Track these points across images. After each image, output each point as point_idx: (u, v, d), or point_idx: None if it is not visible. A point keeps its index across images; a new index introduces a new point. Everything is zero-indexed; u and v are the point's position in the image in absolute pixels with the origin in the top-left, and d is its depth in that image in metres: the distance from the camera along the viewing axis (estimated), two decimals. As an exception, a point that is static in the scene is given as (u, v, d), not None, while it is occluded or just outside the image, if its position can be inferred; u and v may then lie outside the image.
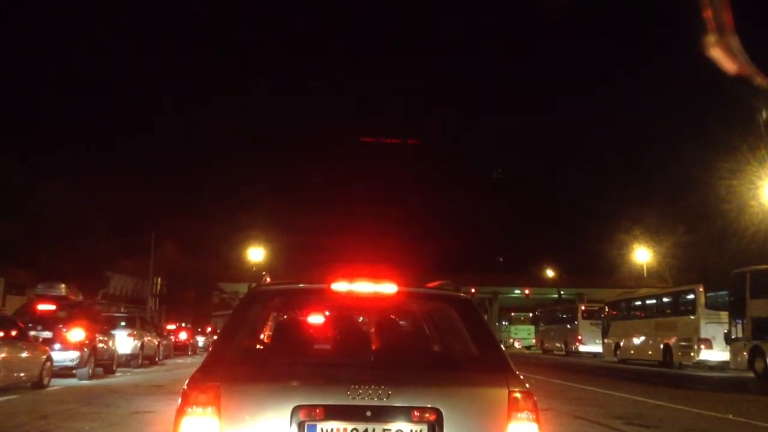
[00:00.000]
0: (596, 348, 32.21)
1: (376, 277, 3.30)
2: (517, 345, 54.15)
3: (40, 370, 12.04)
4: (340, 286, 3.28)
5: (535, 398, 2.96)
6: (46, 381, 12.29)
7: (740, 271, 19.37)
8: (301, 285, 3.69)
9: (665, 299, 26.08)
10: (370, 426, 2.75)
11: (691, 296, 23.09)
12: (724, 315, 20.34)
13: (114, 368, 16.72)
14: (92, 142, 37.49)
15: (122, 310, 33.64)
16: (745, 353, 18.26)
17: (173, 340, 29.11)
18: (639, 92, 65.18)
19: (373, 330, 3.93)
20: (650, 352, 25.36)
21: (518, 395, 2.90)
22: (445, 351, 3.92)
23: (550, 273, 54.14)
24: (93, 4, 46.98)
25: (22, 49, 40.33)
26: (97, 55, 44.51)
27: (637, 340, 26.76)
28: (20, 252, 27.39)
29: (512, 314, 63.49)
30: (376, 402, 2.76)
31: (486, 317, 30.04)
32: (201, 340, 36.14)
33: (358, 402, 2.76)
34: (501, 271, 59.95)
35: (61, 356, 13.53)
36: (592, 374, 19.95)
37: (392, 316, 4.21)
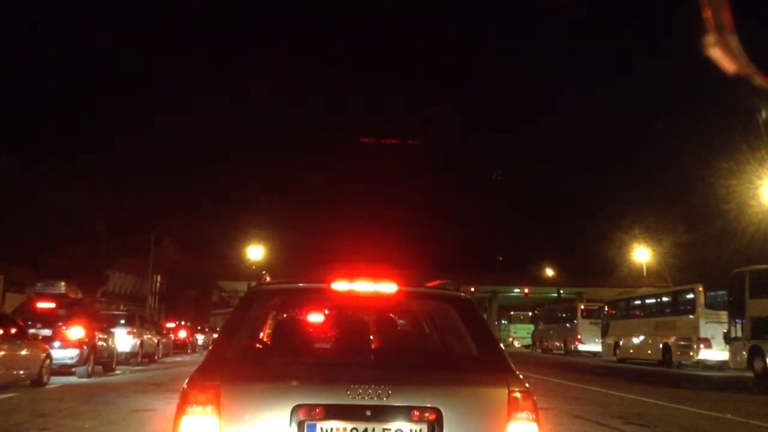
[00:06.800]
0: (595, 347, 32.24)
1: (376, 276, 3.30)
2: (516, 344, 54.20)
3: (40, 367, 12.04)
4: (340, 285, 3.28)
5: (535, 398, 2.97)
6: (45, 379, 12.30)
7: (739, 271, 19.39)
8: (301, 284, 3.69)
9: (665, 299, 26.09)
10: (369, 425, 2.75)
11: (690, 296, 23.11)
12: (724, 315, 20.36)
13: (113, 366, 16.72)
14: (92, 140, 37.52)
15: (122, 308, 33.58)
16: (744, 353, 18.28)
17: (173, 338, 29.11)
18: (639, 92, 65.16)
19: (372, 329, 3.93)
20: (649, 352, 25.37)
21: (518, 395, 2.90)
22: (445, 351, 3.92)
23: (549, 272, 54.15)
24: (93, 5, 46.93)
25: (22, 50, 40.33)
26: (97, 55, 44.51)
27: (636, 340, 26.77)
28: (20, 250, 27.37)
29: (512, 313, 63.60)
30: (375, 401, 2.76)
31: (485, 316, 30.04)
32: (200, 339, 36.18)
33: (357, 401, 2.76)
34: (500, 271, 59.91)
35: (61, 354, 13.54)
36: (591, 373, 19.96)
37: (392, 316, 4.21)
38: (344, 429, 2.75)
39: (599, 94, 68.37)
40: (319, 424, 2.75)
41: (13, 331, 11.73)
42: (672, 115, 53.93)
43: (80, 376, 14.03)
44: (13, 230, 26.09)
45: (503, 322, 63.98)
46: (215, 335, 27.78)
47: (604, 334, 30.28)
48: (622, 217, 39.21)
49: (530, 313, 52.77)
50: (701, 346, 21.68)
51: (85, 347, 14.11)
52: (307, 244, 46.63)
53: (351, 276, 3.29)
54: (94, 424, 7.66)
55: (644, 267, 40.25)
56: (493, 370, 3.05)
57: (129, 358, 19.30)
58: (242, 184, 62.20)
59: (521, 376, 3.05)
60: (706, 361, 21.95)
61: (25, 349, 11.72)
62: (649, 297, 27.92)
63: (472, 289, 43.51)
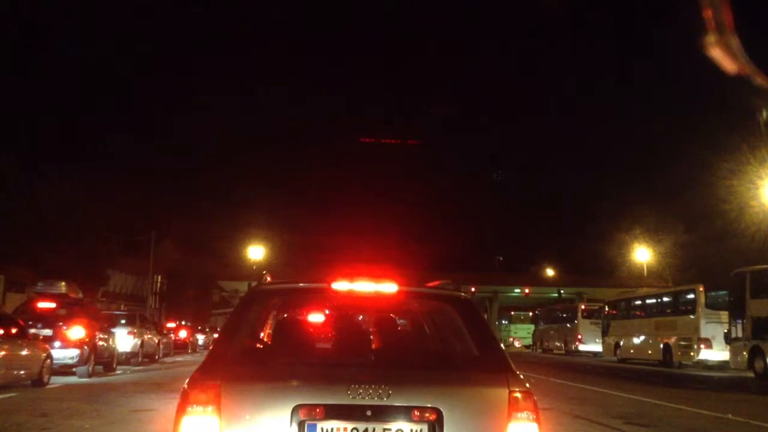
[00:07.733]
0: (596, 347, 32.25)
1: (376, 276, 3.30)
2: (516, 344, 54.22)
3: (40, 367, 12.05)
4: (340, 285, 3.29)
5: (535, 398, 2.97)
6: (46, 379, 12.30)
7: (740, 271, 19.39)
8: (301, 284, 3.68)
9: (665, 299, 26.10)
10: (370, 425, 2.75)
11: (691, 296, 23.12)
12: (724, 315, 20.38)
13: (114, 366, 16.73)
14: (93, 140, 37.45)
15: (122, 308, 33.62)
16: (744, 353, 18.28)
17: (173, 338, 29.14)
18: (639, 92, 65.16)
19: (373, 329, 3.93)
20: (650, 352, 25.38)
21: (518, 395, 2.90)
22: (445, 351, 3.92)
23: (550, 272, 54.10)
24: (93, 5, 46.97)
25: (22, 49, 40.33)
26: (98, 55, 44.55)
27: (636, 340, 26.77)
28: (20, 250, 27.37)
29: (512, 313, 63.66)
30: (376, 401, 2.76)
31: (486, 316, 30.04)
32: (201, 339, 36.20)
33: (358, 401, 2.76)
34: (501, 271, 59.90)
35: (61, 354, 13.55)
36: (591, 373, 19.96)
37: (392, 316, 4.21)
38: (345, 429, 2.75)
39: (599, 94, 68.43)
40: (320, 424, 2.75)
41: (13, 330, 11.73)
42: (672, 115, 53.98)
43: (81, 376, 14.04)
44: (13, 230, 26.07)
45: (504, 322, 64.02)
46: (215, 335, 27.79)
47: (604, 334, 30.28)
48: (622, 217, 39.22)
49: (531, 313, 52.77)
50: (702, 346, 21.69)
51: (85, 347, 14.12)
52: (307, 244, 46.68)
53: (351, 276, 3.29)
54: (94, 424, 7.66)
55: (645, 267, 40.22)
56: (493, 370, 3.05)
57: (129, 358, 19.31)
58: (242, 184, 62.27)
59: (522, 376, 3.05)
60: (706, 361, 21.96)
61: (26, 349, 11.72)
62: (650, 297, 27.92)
63: (473, 289, 43.46)
